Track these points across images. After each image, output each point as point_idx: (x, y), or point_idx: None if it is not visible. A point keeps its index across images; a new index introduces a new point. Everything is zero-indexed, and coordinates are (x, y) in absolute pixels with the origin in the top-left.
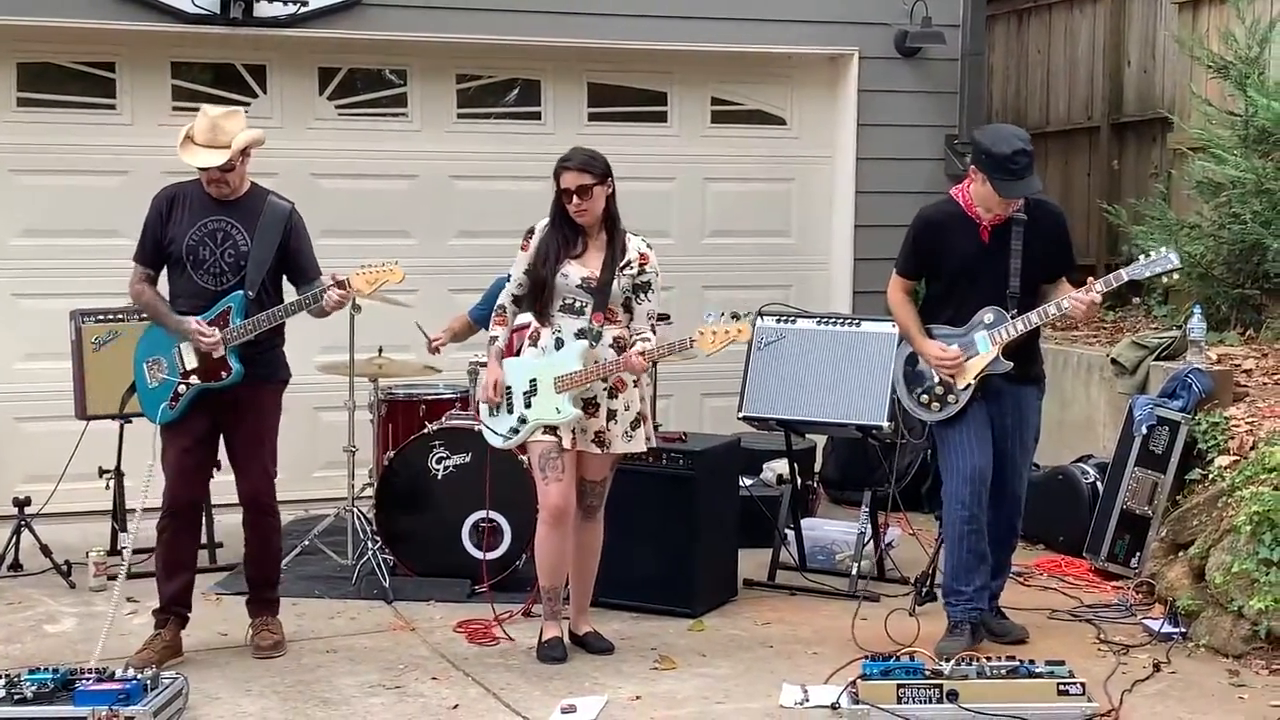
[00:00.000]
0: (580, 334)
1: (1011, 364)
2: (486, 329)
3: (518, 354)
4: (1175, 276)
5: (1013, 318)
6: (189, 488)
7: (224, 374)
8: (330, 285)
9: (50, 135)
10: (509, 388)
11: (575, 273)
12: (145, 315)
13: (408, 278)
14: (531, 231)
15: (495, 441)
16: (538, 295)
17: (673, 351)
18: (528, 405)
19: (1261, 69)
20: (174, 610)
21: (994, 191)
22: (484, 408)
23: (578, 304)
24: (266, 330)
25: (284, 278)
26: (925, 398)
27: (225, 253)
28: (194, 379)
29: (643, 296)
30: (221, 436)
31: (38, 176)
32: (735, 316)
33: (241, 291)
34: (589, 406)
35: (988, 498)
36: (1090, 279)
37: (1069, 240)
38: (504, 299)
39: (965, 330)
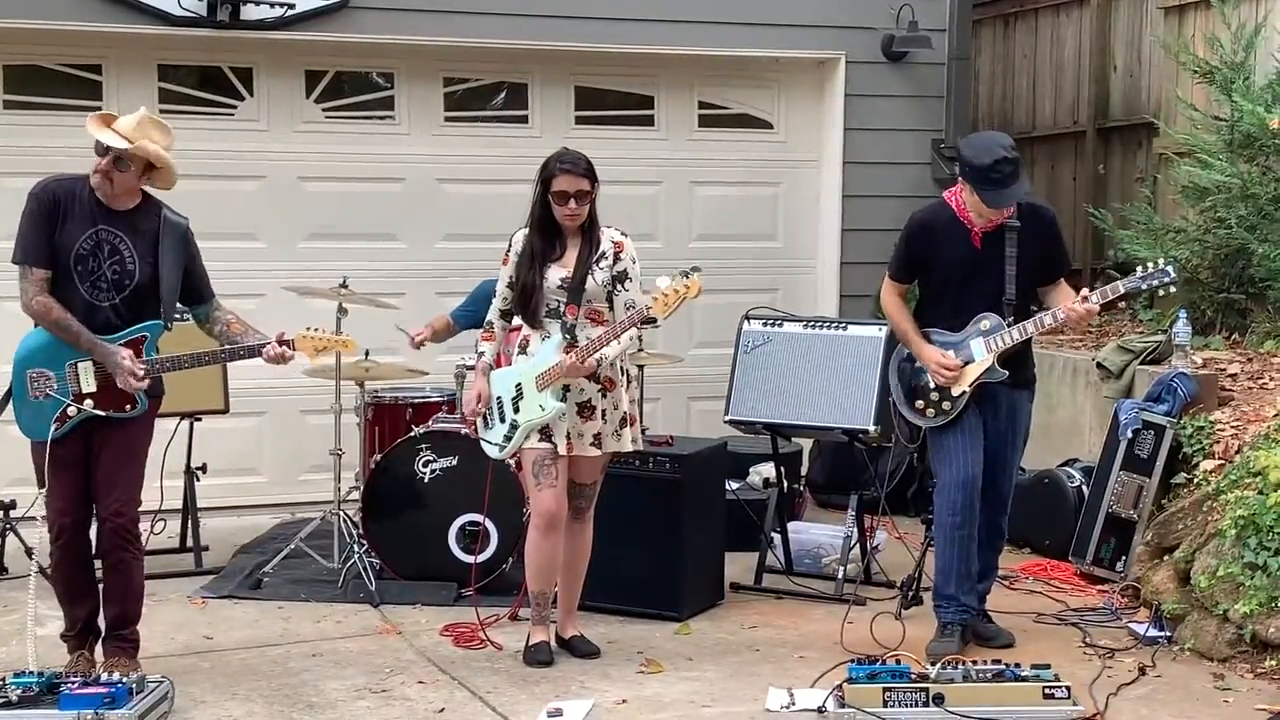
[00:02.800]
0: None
1: (1007, 372)
2: (465, 329)
3: (508, 364)
4: (1173, 290)
5: (1009, 325)
6: (76, 509)
7: (129, 407)
8: (272, 342)
9: (37, 138)
10: (498, 398)
11: (554, 275)
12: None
13: (397, 280)
14: (510, 245)
15: (493, 453)
16: (525, 302)
17: (632, 323)
18: (516, 410)
19: (1247, 74)
20: (90, 631)
21: (981, 201)
22: (478, 422)
23: (559, 306)
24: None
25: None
26: (921, 403)
27: (111, 267)
28: (88, 404)
29: (620, 287)
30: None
31: (24, 179)
32: (686, 274)
33: (160, 322)
34: (585, 410)
35: (979, 502)
36: (1085, 290)
37: (1062, 242)
38: (491, 315)
39: (961, 336)
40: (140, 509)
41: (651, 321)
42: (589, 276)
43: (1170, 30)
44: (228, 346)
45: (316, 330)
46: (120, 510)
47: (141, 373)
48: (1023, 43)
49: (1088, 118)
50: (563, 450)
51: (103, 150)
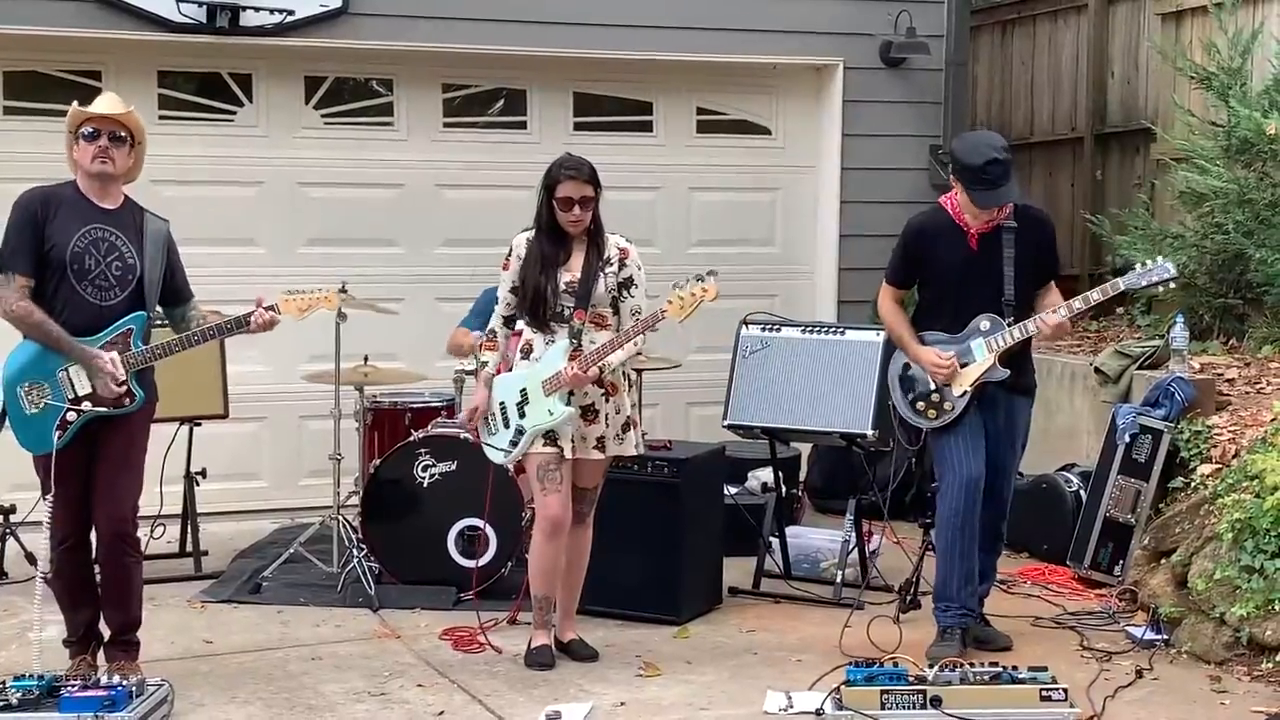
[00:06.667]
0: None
1: (1009, 371)
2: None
3: (510, 368)
4: (1172, 286)
5: (1009, 325)
6: (79, 517)
7: (128, 401)
8: (256, 309)
9: (38, 144)
10: (502, 403)
11: (560, 279)
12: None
13: (397, 285)
14: (510, 251)
15: (497, 458)
16: (533, 306)
17: (647, 328)
18: (522, 415)
19: (1244, 80)
20: (92, 636)
21: (971, 201)
22: (481, 428)
23: (565, 311)
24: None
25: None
26: (922, 404)
27: (112, 264)
28: (87, 405)
29: (626, 294)
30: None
31: (24, 185)
32: (700, 278)
33: (144, 313)
34: (588, 413)
35: (980, 504)
36: (1063, 301)
37: (1054, 246)
38: (494, 323)
39: (961, 338)
40: (139, 514)
41: (650, 328)
42: (597, 282)
43: (1168, 36)
44: (215, 324)
45: (299, 292)
46: (120, 518)
47: (122, 376)
48: (1020, 49)
49: (1085, 124)
50: (568, 454)
51: (92, 134)
